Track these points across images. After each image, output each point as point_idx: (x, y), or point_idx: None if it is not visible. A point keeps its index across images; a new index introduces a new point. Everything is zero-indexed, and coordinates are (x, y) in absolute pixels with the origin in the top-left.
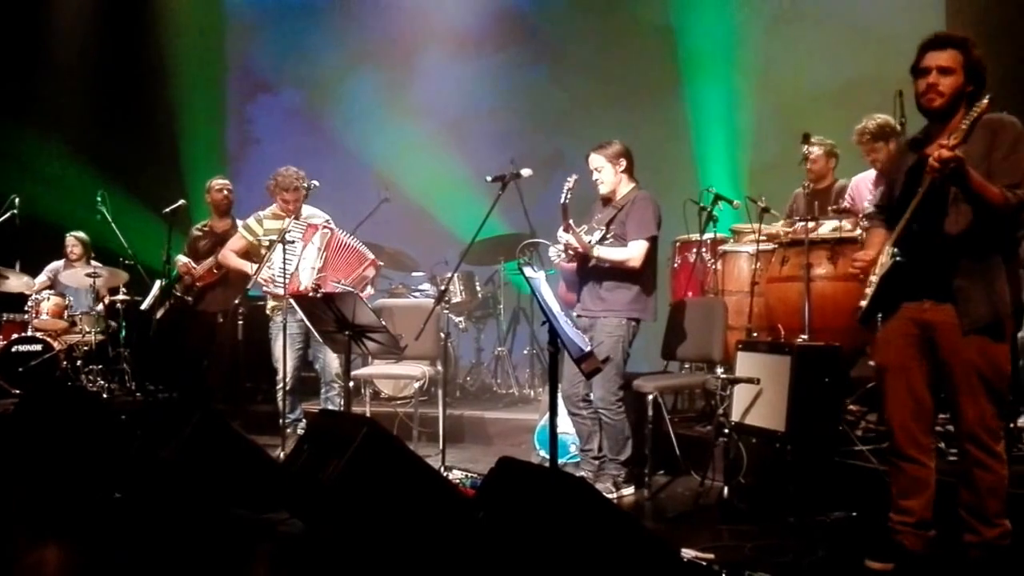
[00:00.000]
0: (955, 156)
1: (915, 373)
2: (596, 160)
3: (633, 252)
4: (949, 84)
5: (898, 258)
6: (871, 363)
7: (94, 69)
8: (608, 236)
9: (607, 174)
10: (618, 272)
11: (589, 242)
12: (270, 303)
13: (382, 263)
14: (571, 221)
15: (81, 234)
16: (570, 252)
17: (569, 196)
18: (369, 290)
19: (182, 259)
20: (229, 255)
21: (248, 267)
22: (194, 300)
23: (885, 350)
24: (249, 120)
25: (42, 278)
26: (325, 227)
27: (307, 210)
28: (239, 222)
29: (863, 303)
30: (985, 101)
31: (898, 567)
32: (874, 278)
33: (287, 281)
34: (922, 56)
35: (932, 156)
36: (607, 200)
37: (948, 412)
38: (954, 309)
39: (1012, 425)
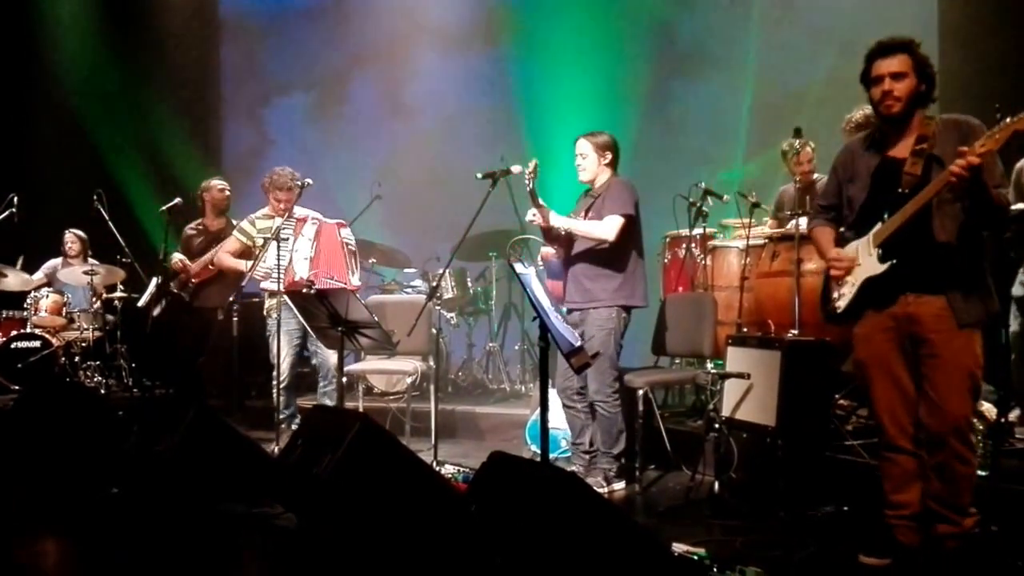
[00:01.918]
0: (981, 163)
1: (898, 365)
2: (583, 146)
3: (605, 226)
4: (904, 88)
5: (894, 261)
6: None
7: (94, 69)
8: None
9: (590, 162)
10: (600, 260)
11: (556, 223)
12: (267, 302)
13: (373, 259)
14: (540, 200)
15: (79, 231)
16: (553, 239)
17: (532, 182)
18: (351, 240)
19: (177, 256)
20: (224, 256)
21: (243, 265)
22: (190, 297)
23: (865, 346)
24: (265, 122)
25: (39, 275)
26: (314, 219)
27: (298, 211)
28: (234, 221)
29: (841, 303)
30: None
31: (894, 562)
32: (850, 278)
33: (283, 275)
34: (871, 65)
35: (958, 163)
36: (587, 189)
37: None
38: (942, 303)
39: (1003, 420)
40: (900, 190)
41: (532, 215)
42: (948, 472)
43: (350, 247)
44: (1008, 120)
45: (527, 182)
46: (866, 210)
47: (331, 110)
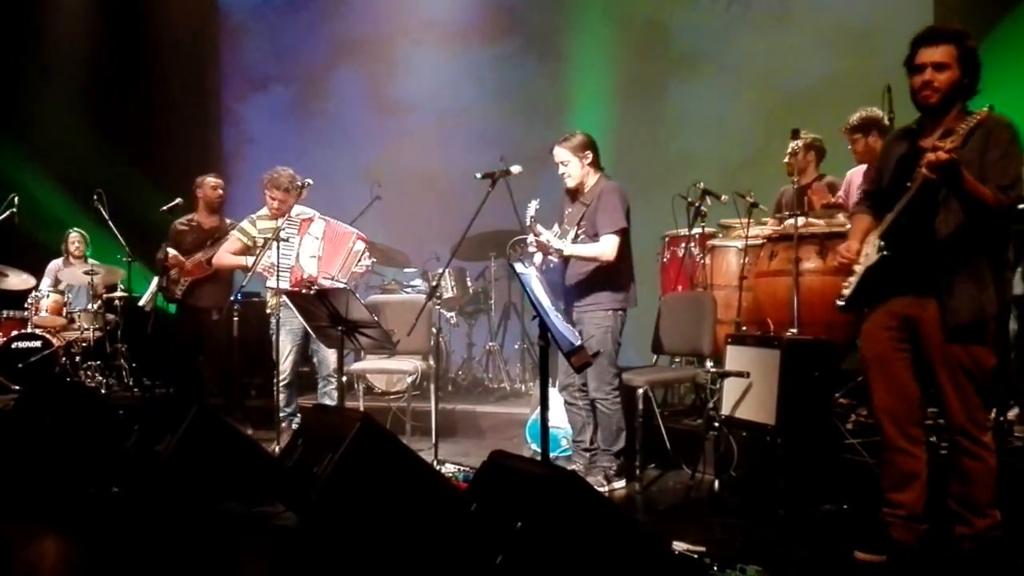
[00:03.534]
0: (951, 159)
1: (899, 365)
2: (561, 153)
3: (604, 247)
4: (944, 80)
5: (885, 252)
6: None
7: (89, 69)
8: (580, 234)
9: (573, 167)
10: (597, 269)
11: (558, 247)
12: (269, 302)
13: (374, 259)
14: (538, 227)
15: (82, 231)
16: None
17: (533, 219)
18: (366, 263)
19: (172, 252)
20: (224, 255)
21: (244, 261)
22: (183, 295)
23: (869, 343)
24: (242, 119)
25: (47, 280)
26: (321, 217)
27: (298, 209)
28: (227, 221)
29: (846, 291)
30: (985, 109)
31: (889, 560)
32: (858, 268)
33: (288, 273)
34: (915, 52)
35: (926, 158)
36: (575, 193)
37: (937, 406)
38: (938, 305)
39: (1003, 418)
40: (908, 184)
41: (531, 241)
42: (960, 469)
43: (356, 271)
44: (972, 115)
45: (527, 221)
46: (885, 199)
47: (314, 106)
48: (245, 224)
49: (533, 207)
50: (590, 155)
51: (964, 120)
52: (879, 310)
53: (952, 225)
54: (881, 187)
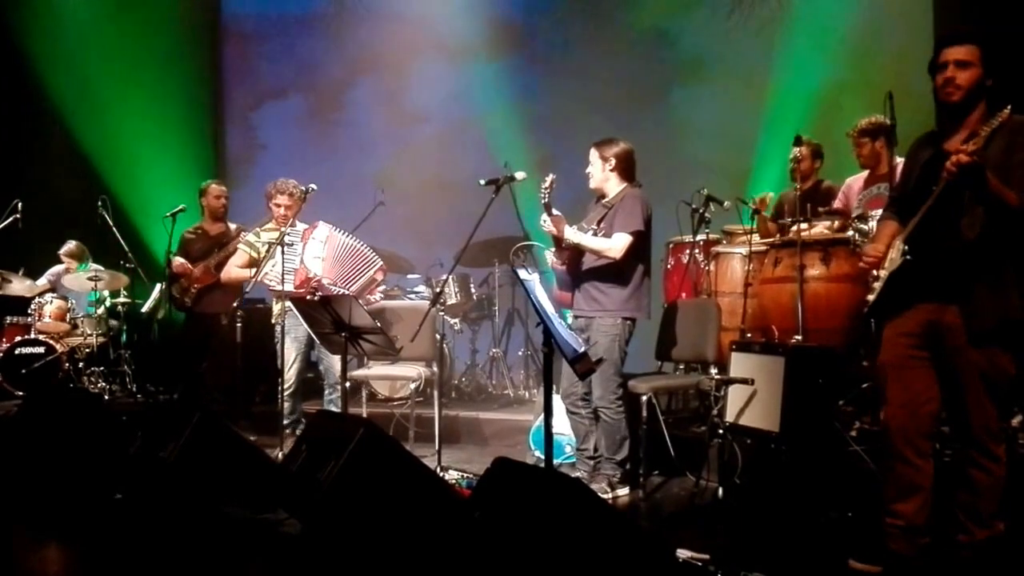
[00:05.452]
0: (973, 161)
1: (915, 373)
2: (591, 154)
3: (613, 243)
4: (967, 77)
5: (908, 256)
6: (865, 364)
7: (94, 72)
8: (598, 233)
9: (595, 169)
10: (609, 271)
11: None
12: (275, 308)
13: (386, 285)
14: (554, 209)
15: (70, 246)
16: (562, 249)
17: (548, 195)
18: (379, 293)
19: (179, 260)
20: (232, 269)
21: (251, 274)
22: (192, 302)
23: (887, 348)
24: (255, 126)
25: (42, 281)
26: (324, 224)
27: (301, 225)
28: (232, 225)
29: (871, 297)
30: (1007, 110)
31: (884, 571)
32: (883, 272)
33: (292, 276)
34: (939, 52)
35: (950, 160)
36: (599, 197)
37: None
38: (961, 311)
39: (1006, 425)
40: (933, 187)
41: (544, 222)
42: (968, 480)
43: (369, 297)
44: (993, 117)
45: (543, 196)
46: (910, 204)
47: (328, 116)
48: (251, 237)
49: (549, 179)
50: (613, 163)
51: (987, 122)
52: (901, 315)
53: (977, 229)
54: (906, 192)
